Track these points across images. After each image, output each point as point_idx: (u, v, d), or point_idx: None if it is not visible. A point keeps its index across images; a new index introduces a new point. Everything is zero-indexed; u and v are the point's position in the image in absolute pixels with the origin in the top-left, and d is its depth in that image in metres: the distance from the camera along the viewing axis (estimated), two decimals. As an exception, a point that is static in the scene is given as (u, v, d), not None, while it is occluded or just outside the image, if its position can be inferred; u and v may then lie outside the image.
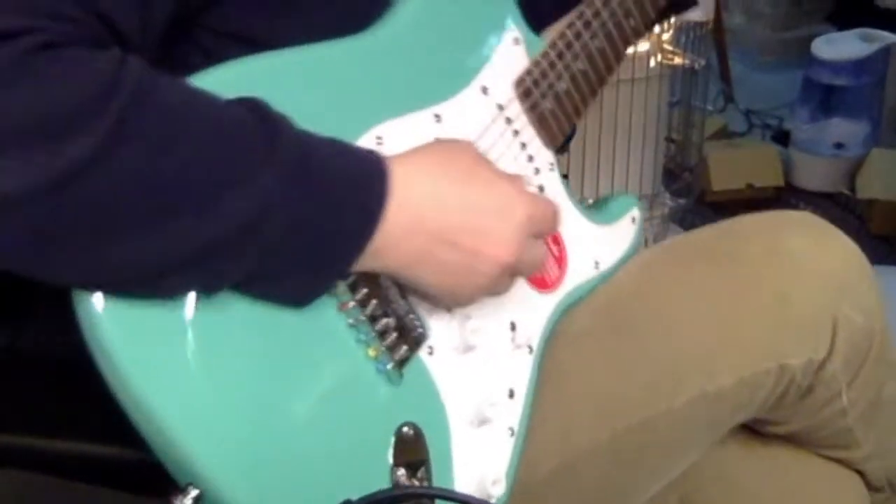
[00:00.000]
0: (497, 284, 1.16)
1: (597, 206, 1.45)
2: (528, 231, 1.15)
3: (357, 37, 1.16)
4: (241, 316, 1.02)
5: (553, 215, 1.21)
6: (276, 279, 1.02)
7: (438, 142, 1.17)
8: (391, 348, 1.13)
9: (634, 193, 2.59)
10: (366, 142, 1.12)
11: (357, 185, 1.05)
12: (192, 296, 0.99)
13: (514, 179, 1.18)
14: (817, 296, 1.38)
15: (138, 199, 0.94)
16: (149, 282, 0.97)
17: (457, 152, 1.16)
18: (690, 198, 2.87)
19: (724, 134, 3.55)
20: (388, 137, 1.14)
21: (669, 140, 2.86)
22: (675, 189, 2.83)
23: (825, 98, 3.33)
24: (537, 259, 1.19)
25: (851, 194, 3.28)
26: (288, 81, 1.07)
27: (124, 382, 0.97)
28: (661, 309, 1.38)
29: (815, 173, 3.35)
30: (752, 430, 1.48)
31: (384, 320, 1.12)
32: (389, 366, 1.12)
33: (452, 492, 1.10)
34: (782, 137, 3.53)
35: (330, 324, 1.09)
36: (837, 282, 1.39)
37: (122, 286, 0.96)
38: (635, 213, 1.46)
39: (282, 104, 1.03)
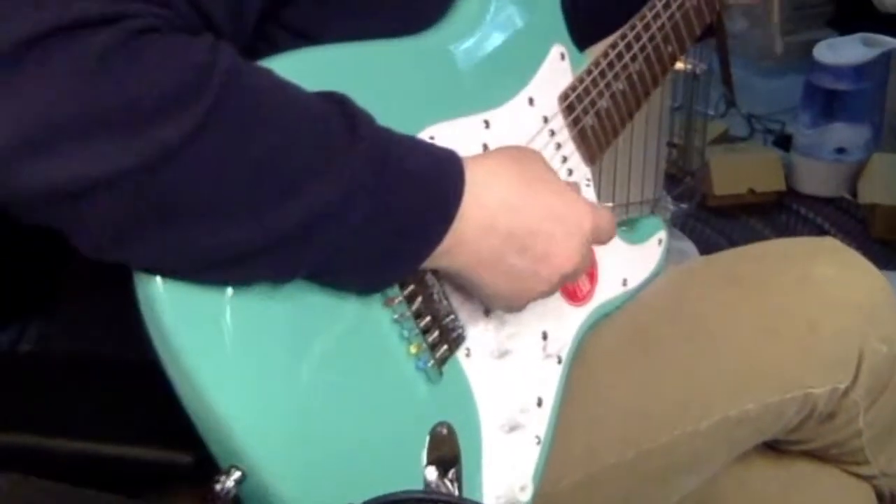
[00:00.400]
0: (552, 292, 1.19)
1: (626, 226, 1.47)
2: (590, 241, 1.19)
3: (415, 37, 1.18)
4: (293, 305, 1.04)
5: (612, 226, 1.24)
6: (349, 270, 1.05)
7: (510, 147, 1.20)
8: (433, 346, 1.14)
9: (636, 197, 2.60)
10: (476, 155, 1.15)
11: (436, 180, 1.07)
12: (249, 287, 1.02)
13: (576, 190, 1.23)
14: (845, 326, 1.39)
15: (226, 184, 0.96)
16: (225, 267, 0.99)
17: (528, 158, 1.18)
18: (692, 202, 2.87)
19: (725, 138, 3.55)
20: (439, 138, 1.16)
21: (671, 145, 2.86)
22: (676, 194, 2.83)
23: (827, 103, 3.32)
24: (587, 268, 1.24)
25: (853, 199, 3.27)
26: (347, 74, 1.09)
27: (179, 362, 0.99)
28: (690, 331, 1.39)
29: (816, 178, 3.34)
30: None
31: (428, 317, 1.14)
32: (430, 363, 1.14)
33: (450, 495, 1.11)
34: (784, 142, 3.53)
35: (376, 317, 1.11)
36: (865, 313, 1.40)
37: (199, 272, 0.99)
38: (662, 234, 1.49)
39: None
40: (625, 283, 1.42)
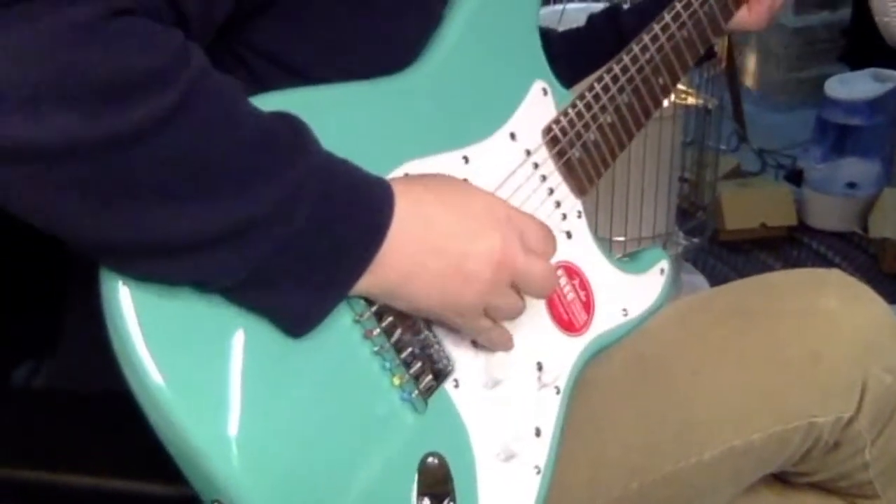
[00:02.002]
0: (493, 291, 1.15)
1: (627, 258, 1.47)
2: (514, 232, 1.15)
3: (392, 77, 1.19)
4: (273, 339, 1.04)
5: (541, 227, 1.20)
6: (288, 277, 1.03)
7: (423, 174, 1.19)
8: (416, 377, 1.14)
9: (648, 232, 2.61)
10: (395, 178, 1.14)
11: (370, 195, 1.08)
12: (227, 319, 1.02)
13: (497, 197, 1.20)
14: (849, 356, 1.39)
15: (180, 173, 0.96)
16: (164, 258, 0.98)
17: (437, 177, 1.17)
18: (704, 237, 2.87)
19: (737, 173, 3.56)
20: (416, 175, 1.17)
21: (683, 180, 2.86)
22: (688, 228, 2.83)
23: (838, 137, 3.34)
24: (536, 271, 1.17)
25: (864, 233, 3.29)
26: (322, 116, 1.09)
27: (155, 397, 0.98)
28: (693, 362, 1.40)
29: (827, 212, 3.36)
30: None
31: (409, 349, 1.14)
32: (414, 394, 1.14)
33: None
34: (795, 177, 3.54)
35: (355, 350, 1.11)
36: (869, 342, 1.40)
37: (134, 260, 0.98)
38: (664, 264, 1.48)
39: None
40: (625, 312, 1.41)
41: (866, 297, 1.45)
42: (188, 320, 1.01)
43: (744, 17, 1.60)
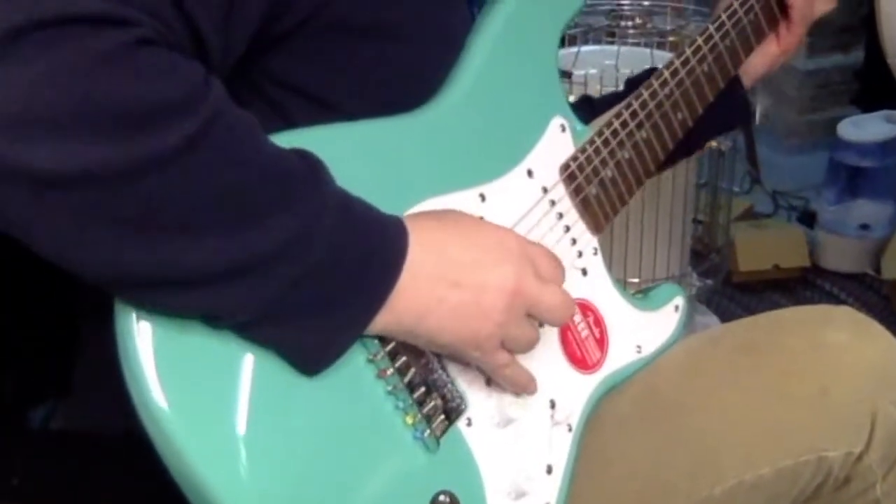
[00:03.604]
0: (509, 322, 1.15)
1: (641, 294, 1.48)
2: (527, 261, 1.16)
3: (411, 114, 1.20)
4: (285, 378, 1.05)
5: (551, 256, 1.22)
6: (301, 314, 1.04)
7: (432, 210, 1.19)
8: (429, 417, 1.15)
9: (662, 273, 2.62)
10: (408, 214, 1.15)
11: (383, 232, 1.09)
12: (240, 356, 1.03)
13: (507, 229, 1.22)
14: (858, 390, 1.40)
15: (202, 203, 0.97)
16: (176, 289, 0.99)
17: (447, 212, 1.19)
18: (717, 278, 2.88)
19: (750, 215, 3.57)
20: None
21: (696, 221, 2.87)
22: (702, 270, 2.84)
23: (851, 179, 3.34)
24: (551, 299, 1.18)
25: (876, 275, 3.29)
26: (341, 154, 1.10)
27: (166, 435, 0.99)
28: (703, 398, 1.40)
29: (840, 254, 3.36)
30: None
31: (422, 388, 1.15)
32: (426, 433, 1.14)
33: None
34: (808, 218, 3.55)
35: (368, 389, 1.12)
36: (878, 376, 1.41)
37: (160, 287, 0.99)
38: (679, 301, 1.49)
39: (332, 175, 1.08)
40: (639, 349, 1.42)
41: (875, 332, 1.45)
42: (201, 355, 1.02)
43: (772, 49, 1.61)
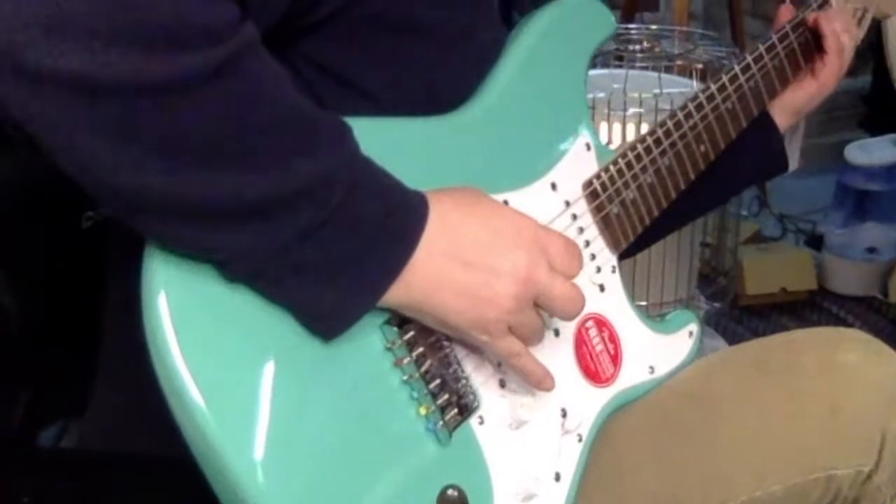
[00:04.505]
0: (518, 309, 1.16)
1: (658, 318, 1.49)
2: (540, 251, 1.17)
3: (443, 116, 1.23)
4: (303, 363, 1.07)
5: (568, 245, 1.21)
6: (318, 273, 1.05)
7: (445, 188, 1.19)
8: (443, 409, 1.16)
9: (670, 296, 2.62)
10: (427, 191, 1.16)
11: (404, 201, 1.11)
12: (263, 338, 1.04)
13: (524, 214, 1.21)
14: (867, 409, 1.40)
15: (225, 134, 0.98)
16: (197, 220, 1.00)
17: (465, 191, 1.19)
18: (725, 302, 2.88)
19: (758, 238, 3.57)
20: None
21: (704, 244, 2.87)
22: (710, 293, 2.84)
23: (858, 203, 3.36)
24: (560, 291, 1.18)
25: (884, 298, 3.30)
26: (371, 142, 1.11)
27: (190, 414, 1.00)
28: (714, 415, 1.41)
29: (847, 277, 3.37)
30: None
31: (437, 380, 1.16)
32: (439, 425, 1.15)
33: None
34: (816, 242, 3.56)
35: (386, 378, 1.13)
36: (888, 397, 1.41)
37: (175, 215, 0.99)
38: (693, 327, 1.50)
39: None
40: (652, 370, 1.43)
41: (885, 353, 1.45)
42: (229, 340, 1.03)
43: (810, 84, 1.63)
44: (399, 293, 1.10)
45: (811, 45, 1.60)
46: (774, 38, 1.57)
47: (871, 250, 3.35)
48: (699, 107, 1.47)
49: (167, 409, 1.01)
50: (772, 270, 3.30)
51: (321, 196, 1.03)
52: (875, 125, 3.94)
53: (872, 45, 3.88)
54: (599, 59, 2.60)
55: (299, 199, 1.02)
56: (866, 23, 1.70)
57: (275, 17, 1.10)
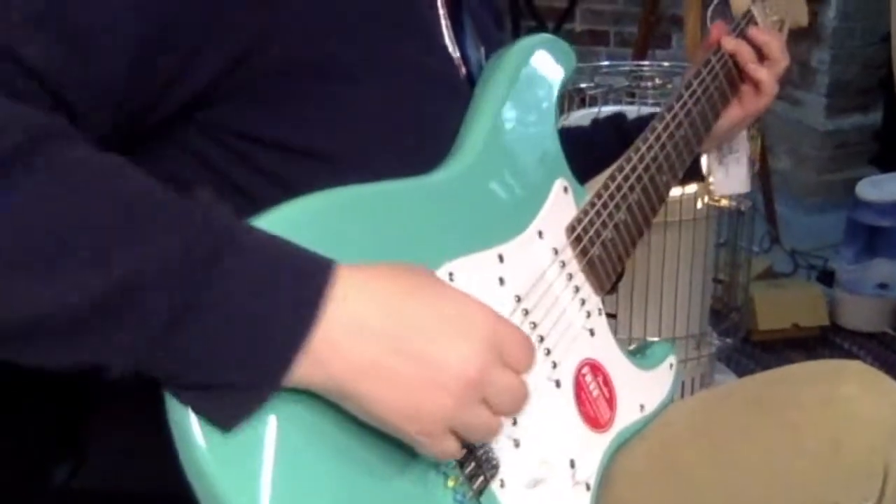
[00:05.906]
0: (463, 407, 1.03)
1: (637, 352, 1.50)
2: (494, 346, 1.05)
3: (423, 178, 1.20)
4: (325, 436, 1.02)
5: (524, 340, 1.09)
6: (209, 366, 0.94)
7: (391, 262, 1.07)
8: (470, 478, 1.14)
9: (682, 332, 2.63)
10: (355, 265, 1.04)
11: (299, 272, 0.98)
12: (277, 421, 0.99)
13: (477, 300, 1.08)
14: (869, 443, 1.39)
15: (31, 238, 0.89)
16: (48, 337, 0.91)
17: (409, 268, 1.07)
18: (737, 337, 2.89)
19: (769, 274, 3.58)
20: (458, 274, 1.17)
21: (716, 280, 2.88)
22: (722, 329, 2.85)
23: (869, 239, 3.36)
24: (510, 389, 1.06)
25: (895, 333, 3.31)
26: (363, 216, 1.09)
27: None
28: (715, 452, 1.41)
29: (859, 313, 3.38)
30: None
31: (464, 450, 1.09)
32: (469, 496, 1.14)
33: None
34: (827, 278, 3.57)
35: (419, 457, 1.08)
36: (890, 429, 1.40)
37: (23, 337, 0.90)
38: (672, 359, 1.52)
39: (358, 238, 1.07)
40: (642, 408, 1.44)
41: (886, 385, 1.44)
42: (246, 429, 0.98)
43: (736, 114, 1.66)
44: (312, 372, 0.97)
45: (733, 72, 1.64)
46: (713, 59, 1.60)
47: (883, 286, 3.35)
48: (657, 137, 1.48)
49: (165, 448, 0.97)
50: (783, 306, 3.30)
51: (167, 282, 0.91)
52: (886, 161, 3.96)
53: (883, 81, 3.91)
54: (612, 96, 2.62)
55: (137, 290, 0.91)
56: (785, 32, 1.76)
57: (164, 112, 1.04)
